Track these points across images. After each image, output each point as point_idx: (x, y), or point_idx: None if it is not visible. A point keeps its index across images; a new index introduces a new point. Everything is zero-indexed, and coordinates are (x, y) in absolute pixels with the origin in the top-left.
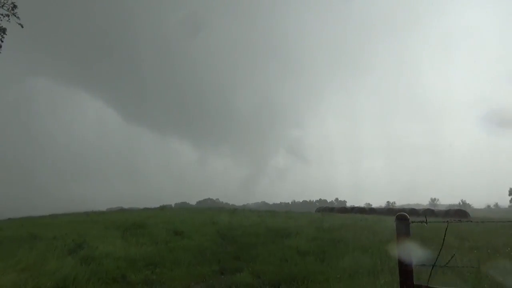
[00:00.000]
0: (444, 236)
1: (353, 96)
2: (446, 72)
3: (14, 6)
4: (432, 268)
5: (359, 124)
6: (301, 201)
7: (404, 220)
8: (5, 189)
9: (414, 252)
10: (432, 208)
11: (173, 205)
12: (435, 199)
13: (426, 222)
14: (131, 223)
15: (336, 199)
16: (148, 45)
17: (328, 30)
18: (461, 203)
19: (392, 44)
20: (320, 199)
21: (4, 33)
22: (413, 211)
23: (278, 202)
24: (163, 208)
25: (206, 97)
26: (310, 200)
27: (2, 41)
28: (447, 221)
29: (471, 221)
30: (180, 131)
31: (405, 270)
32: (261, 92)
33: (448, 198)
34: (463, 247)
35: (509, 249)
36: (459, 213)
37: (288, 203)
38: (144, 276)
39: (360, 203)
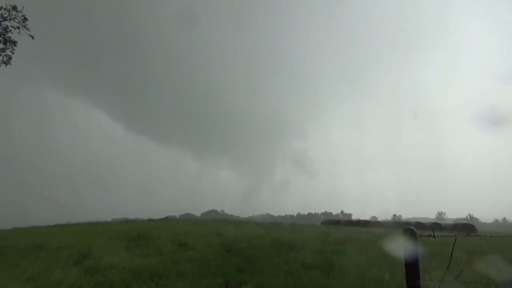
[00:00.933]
0: (452, 250)
1: (358, 109)
2: (450, 83)
3: (25, 19)
4: (440, 283)
5: (364, 136)
6: (306, 213)
7: (411, 234)
8: (10, 199)
9: (421, 266)
10: (439, 221)
11: (177, 216)
12: (442, 212)
13: (434, 236)
14: (136, 234)
15: (342, 211)
16: (150, 55)
17: (332, 41)
18: (468, 217)
19: (396, 57)
20: (325, 211)
21: (15, 45)
22: (419, 225)
23: (283, 214)
24: (167, 219)
25: (209, 107)
26: (315, 213)
27: (12, 53)
28: (455, 235)
29: (479, 236)
30: (183, 142)
31: (412, 284)
32: (265, 103)
33: (455, 212)
34: (471, 262)
35: None
36: (467, 227)
37: (293, 215)
38: None
39: (366, 216)
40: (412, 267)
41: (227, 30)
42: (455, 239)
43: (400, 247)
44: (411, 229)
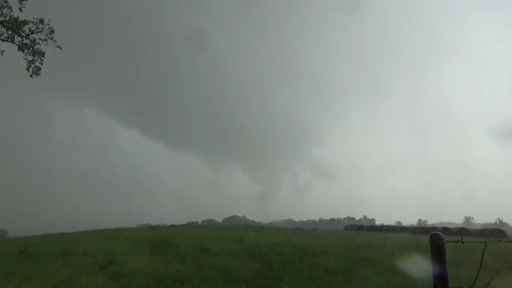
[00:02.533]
0: (482, 256)
1: (378, 116)
2: (471, 90)
3: (52, 31)
4: None
5: (386, 142)
6: (328, 219)
7: (438, 239)
8: (38, 207)
9: (450, 273)
10: (467, 227)
11: (199, 222)
12: (469, 217)
13: (462, 242)
14: (159, 240)
15: (365, 217)
16: (176, 69)
17: (352, 50)
18: (497, 222)
19: (413, 65)
20: (348, 216)
21: (43, 56)
22: (446, 230)
23: (305, 219)
24: (189, 225)
25: (231, 115)
26: (338, 218)
27: (41, 64)
28: (485, 241)
29: (511, 241)
30: (202, 150)
31: None
32: (285, 111)
33: (483, 217)
34: (502, 269)
35: None
36: (496, 233)
37: (315, 220)
38: None
39: (390, 221)
40: (440, 274)
41: (246, 41)
42: (485, 245)
43: (426, 253)
44: (438, 234)
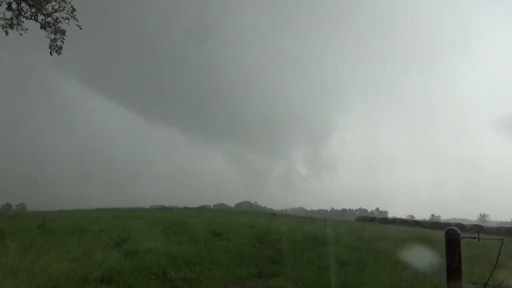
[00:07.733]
0: (499, 254)
1: (388, 109)
2: (487, 83)
3: (73, 10)
4: (484, 287)
5: (400, 136)
6: (340, 209)
7: (454, 234)
8: (57, 183)
9: (463, 269)
10: (481, 224)
11: (212, 206)
12: (484, 215)
13: (479, 238)
14: (172, 222)
15: (377, 209)
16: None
17: (358, 47)
18: None
19: (426, 60)
20: (360, 208)
21: (64, 35)
22: (460, 226)
23: (317, 209)
24: (202, 208)
25: (245, 105)
26: (349, 209)
27: (62, 43)
28: (502, 238)
29: None
30: (213, 136)
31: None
32: (297, 101)
33: (498, 215)
34: None
35: None
36: None
37: (327, 210)
38: (183, 274)
39: (402, 214)
40: (454, 270)
41: (267, 33)
42: (502, 243)
43: (439, 248)
44: (454, 229)
